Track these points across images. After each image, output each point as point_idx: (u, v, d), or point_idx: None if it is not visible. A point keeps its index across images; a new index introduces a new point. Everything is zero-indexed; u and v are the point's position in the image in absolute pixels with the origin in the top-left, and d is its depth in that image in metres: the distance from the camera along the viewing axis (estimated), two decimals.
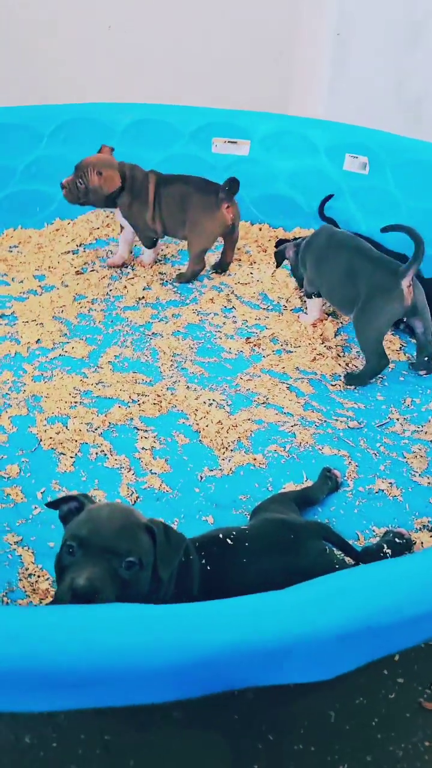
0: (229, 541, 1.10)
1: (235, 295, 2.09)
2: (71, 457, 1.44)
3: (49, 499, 1.32)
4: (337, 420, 1.59)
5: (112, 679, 0.67)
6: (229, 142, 2.44)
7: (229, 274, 2.20)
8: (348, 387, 1.69)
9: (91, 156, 2.03)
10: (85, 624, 0.68)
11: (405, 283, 1.58)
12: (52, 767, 0.95)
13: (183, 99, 2.60)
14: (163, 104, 2.51)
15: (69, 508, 1.01)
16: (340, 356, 1.82)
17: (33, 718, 1.00)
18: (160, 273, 2.19)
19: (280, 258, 2.04)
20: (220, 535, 1.11)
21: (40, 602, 1.13)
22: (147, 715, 1.01)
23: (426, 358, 1.72)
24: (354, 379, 1.69)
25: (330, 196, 2.34)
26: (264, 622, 0.65)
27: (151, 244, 2.16)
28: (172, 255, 2.31)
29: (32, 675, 0.64)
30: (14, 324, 1.91)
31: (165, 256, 2.31)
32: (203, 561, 1.06)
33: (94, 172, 1.98)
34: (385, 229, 1.67)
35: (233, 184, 2.00)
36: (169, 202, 2.07)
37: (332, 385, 1.71)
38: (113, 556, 0.87)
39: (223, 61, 2.92)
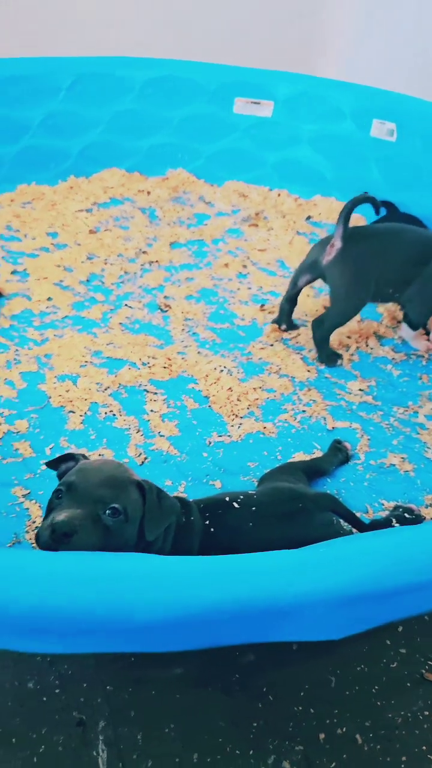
0: (235, 505, 1.09)
1: (251, 261, 2.05)
2: (80, 416, 1.43)
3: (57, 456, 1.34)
4: (351, 393, 1.57)
5: (115, 629, 0.67)
6: (252, 102, 2.36)
7: (246, 240, 2.15)
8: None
9: None
10: (92, 572, 0.67)
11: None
12: (54, 712, 0.96)
13: (205, 56, 2.51)
14: (185, 60, 2.42)
15: (67, 466, 1.01)
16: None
17: (36, 666, 1.01)
18: (174, 235, 2.15)
19: None
20: (227, 498, 1.10)
21: None
22: (148, 669, 1.02)
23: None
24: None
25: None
26: (273, 578, 0.65)
27: None
28: (188, 218, 2.27)
29: (40, 619, 0.63)
30: (26, 281, 1.88)
31: (180, 218, 2.26)
32: (206, 522, 1.05)
33: None
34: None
35: None
36: None
37: (349, 358, 1.68)
38: (98, 502, 0.88)
39: (248, 17, 2.82)
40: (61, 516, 0.84)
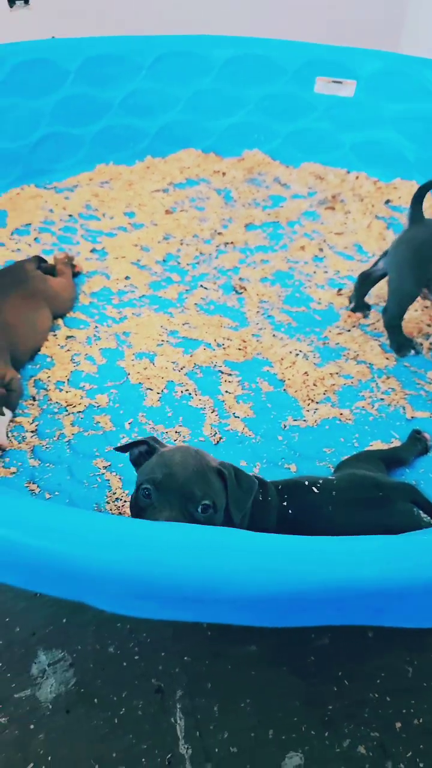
0: (315, 489, 1.08)
1: (328, 245, 2.00)
2: (158, 393, 1.46)
3: (135, 431, 1.37)
4: (431, 383, 1.52)
5: (212, 601, 0.68)
6: (333, 81, 2.30)
7: (322, 223, 2.11)
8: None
9: None
10: (196, 544, 0.68)
11: None
12: (134, 677, 0.99)
13: (286, 34, 2.45)
14: (265, 38, 2.37)
15: (139, 451, 1.01)
16: None
17: (116, 632, 1.04)
18: (249, 216, 2.13)
19: None
20: (306, 482, 1.09)
21: None
22: (224, 644, 1.03)
23: None
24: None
25: None
26: (378, 562, 0.64)
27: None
28: (263, 199, 2.24)
29: (150, 587, 0.65)
30: (104, 259, 1.91)
31: (255, 199, 2.23)
32: (284, 503, 1.05)
33: None
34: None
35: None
36: None
37: (429, 347, 1.63)
38: (189, 500, 0.88)
39: None
40: (161, 519, 0.85)
